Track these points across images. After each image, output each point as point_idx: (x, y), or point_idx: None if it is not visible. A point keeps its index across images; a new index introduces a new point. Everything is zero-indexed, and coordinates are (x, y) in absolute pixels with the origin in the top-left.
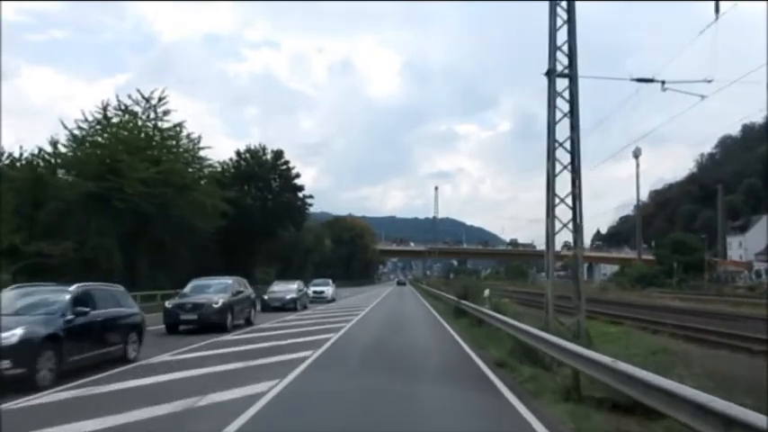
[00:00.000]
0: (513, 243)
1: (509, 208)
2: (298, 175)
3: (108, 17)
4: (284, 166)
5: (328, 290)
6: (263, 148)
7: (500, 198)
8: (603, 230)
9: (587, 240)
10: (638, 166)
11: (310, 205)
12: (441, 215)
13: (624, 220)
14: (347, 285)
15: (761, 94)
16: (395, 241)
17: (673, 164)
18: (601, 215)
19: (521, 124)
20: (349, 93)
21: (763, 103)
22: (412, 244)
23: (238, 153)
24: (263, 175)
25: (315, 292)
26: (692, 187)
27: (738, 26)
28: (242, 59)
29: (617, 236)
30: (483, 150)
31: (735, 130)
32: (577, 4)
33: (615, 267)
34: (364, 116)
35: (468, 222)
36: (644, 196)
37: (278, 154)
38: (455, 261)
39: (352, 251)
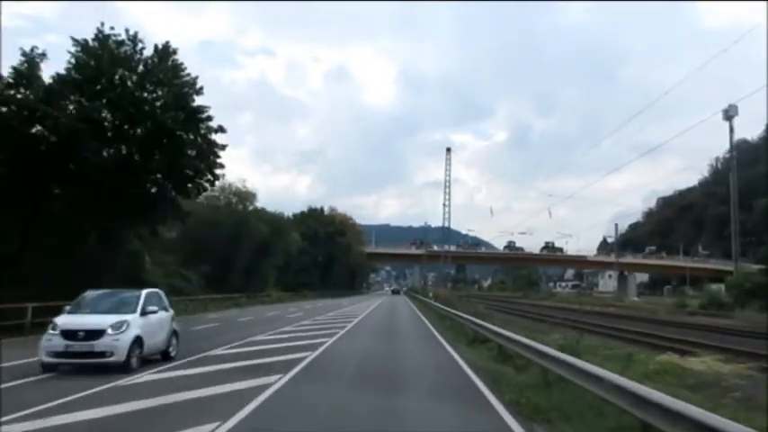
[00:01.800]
0: (549, 247)
1: (505, 217)
2: (199, 91)
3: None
4: (171, 73)
5: (125, 330)
6: (134, 38)
7: (495, 207)
8: (610, 239)
9: (593, 248)
10: (731, 130)
11: (223, 147)
12: (434, 224)
13: (634, 227)
14: (320, 296)
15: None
16: (414, 243)
17: (665, 175)
18: (592, 227)
19: (516, 134)
20: (344, 101)
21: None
22: (434, 246)
23: (80, 43)
24: (133, 82)
25: (65, 334)
26: (719, 189)
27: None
28: (237, 67)
29: (629, 243)
30: (478, 160)
31: (752, 134)
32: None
33: (644, 276)
34: (359, 124)
35: (463, 231)
36: (651, 203)
37: (166, 50)
38: (452, 270)
39: (331, 252)
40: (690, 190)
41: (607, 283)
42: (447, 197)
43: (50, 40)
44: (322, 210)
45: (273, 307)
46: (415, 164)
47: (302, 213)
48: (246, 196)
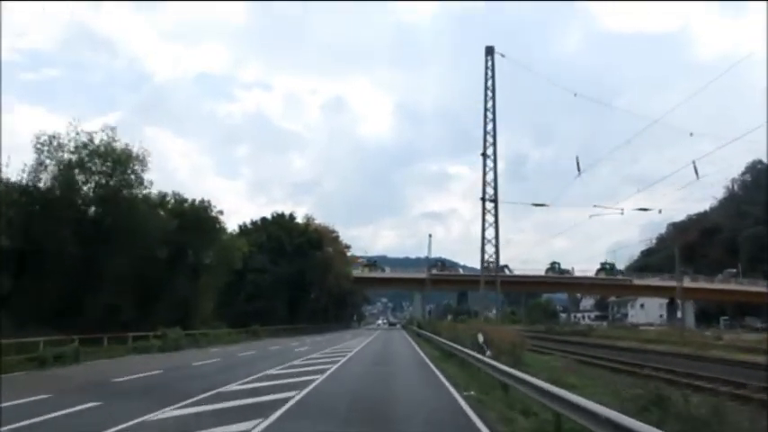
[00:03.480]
0: (606, 268)
1: (502, 249)
2: None
3: (101, 56)
4: None
5: None
6: None
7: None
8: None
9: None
10: None
11: None
12: (431, 255)
13: (647, 253)
14: (279, 334)
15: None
16: (435, 265)
17: (664, 205)
18: (589, 258)
19: (511, 166)
20: (341, 133)
21: None
22: (461, 270)
23: None
24: None
25: None
26: (752, 208)
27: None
28: (234, 99)
29: (647, 269)
30: (475, 191)
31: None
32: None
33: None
34: (356, 156)
35: (461, 263)
36: (648, 232)
37: None
38: (449, 300)
39: (301, 270)
40: (704, 214)
41: (638, 313)
42: (491, 139)
43: (50, 74)
44: (291, 216)
45: (99, 369)
46: (412, 195)
47: (263, 219)
48: (126, 160)
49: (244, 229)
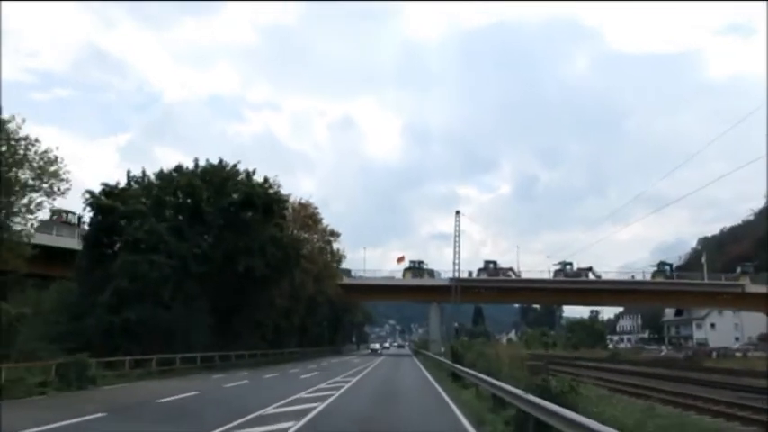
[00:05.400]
0: None
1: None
2: None
3: (111, 77)
4: None
5: None
6: None
7: (501, 261)
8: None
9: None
10: None
11: None
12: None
13: (685, 267)
14: (154, 372)
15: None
16: (483, 269)
17: (674, 228)
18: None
19: (521, 187)
20: (349, 154)
21: None
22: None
23: None
24: None
25: None
26: None
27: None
28: (243, 120)
29: None
30: (484, 213)
31: None
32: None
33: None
34: (364, 177)
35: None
36: (658, 255)
37: None
38: (456, 322)
39: (231, 250)
40: (739, 227)
41: (708, 333)
42: None
43: (61, 94)
44: (234, 168)
45: None
46: (420, 217)
47: (178, 168)
48: None
49: (137, 181)
